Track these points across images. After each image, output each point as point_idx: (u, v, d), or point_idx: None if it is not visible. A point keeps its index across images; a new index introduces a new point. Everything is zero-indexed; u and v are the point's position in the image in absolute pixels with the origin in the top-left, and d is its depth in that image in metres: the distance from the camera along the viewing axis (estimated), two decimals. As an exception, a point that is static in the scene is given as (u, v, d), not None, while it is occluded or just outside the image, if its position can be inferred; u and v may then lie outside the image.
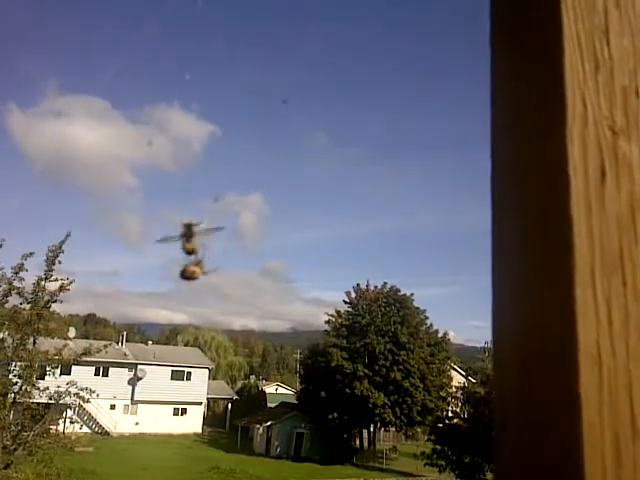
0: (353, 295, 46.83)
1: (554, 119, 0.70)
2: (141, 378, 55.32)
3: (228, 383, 76.53)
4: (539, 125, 0.73)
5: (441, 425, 32.59)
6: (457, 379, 44.05)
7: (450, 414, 34.42)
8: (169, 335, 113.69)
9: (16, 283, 20.25)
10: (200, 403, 58.37)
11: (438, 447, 29.90)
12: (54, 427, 21.76)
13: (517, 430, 0.70)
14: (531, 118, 0.75)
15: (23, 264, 20.26)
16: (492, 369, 0.80)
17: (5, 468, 17.51)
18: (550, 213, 0.69)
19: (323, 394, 42.98)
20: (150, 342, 69.98)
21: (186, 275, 2.26)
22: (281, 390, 78.75)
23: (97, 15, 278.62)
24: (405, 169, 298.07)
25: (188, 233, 2.30)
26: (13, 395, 19.88)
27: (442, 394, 41.92)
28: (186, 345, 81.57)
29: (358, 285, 47.32)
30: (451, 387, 40.88)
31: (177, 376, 57.56)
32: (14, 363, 20.42)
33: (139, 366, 55.55)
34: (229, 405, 62.35)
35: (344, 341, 43.81)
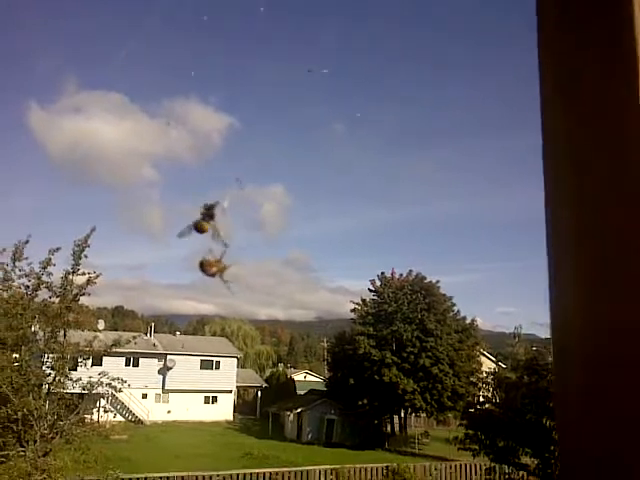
0: (378, 283, 46.61)
1: (625, 94, 0.63)
2: (171, 368, 55.97)
3: (257, 372, 77.04)
4: (604, 100, 0.68)
5: (473, 410, 32.27)
6: (487, 365, 43.64)
7: (481, 399, 34.11)
8: (196, 326, 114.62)
9: (44, 277, 20.52)
10: (230, 391, 58.88)
11: (471, 432, 29.59)
12: (89, 416, 22.11)
13: (586, 439, 0.62)
14: (596, 93, 0.70)
15: (50, 259, 20.48)
16: (553, 367, 0.72)
17: (44, 455, 17.81)
18: (630, 192, 0.61)
19: (352, 381, 42.99)
20: (178, 333, 70.65)
21: (204, 269, 2.20)
22: (310, 378, 79.06)
23: (113, 10, 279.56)
24: (428, 157, 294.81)
25: (207, 214, 2.23)
26: (47, 386, 20.21)
27: (472, 380, 41.60)
28: (213, 335, 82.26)
29: (383, 273, 47.13)
30: (481, 372, 40.51)
31: (206, 365, 58.13)
32: (46, 355, 20.76)
33: (168, 356, 56.21)
34: (259, 393, 62.78)
35: (371, 329, 43.69)
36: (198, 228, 2.25)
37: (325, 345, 77.05)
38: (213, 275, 2.07)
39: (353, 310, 46.69)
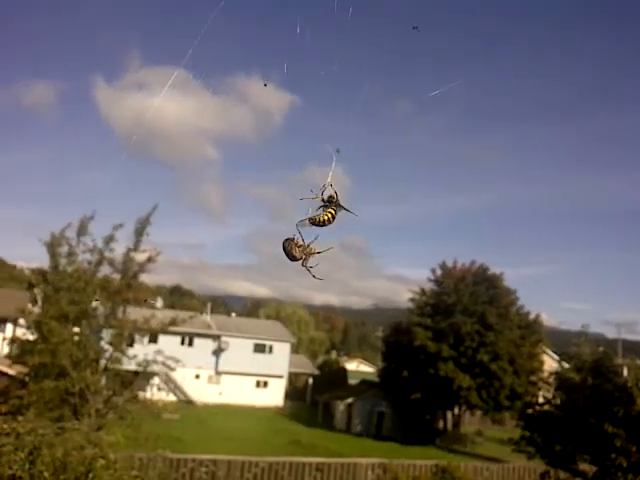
0: (439, 273, 45.51)
1: None
2: (224, 349, 56.46)
3: (309, 358, 77.07)
4: None
5: (531, 411, 31.10)
6: (549, 364, 42.11)
7: (541, 400, 32.85)
8: (251, 308, 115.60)
9: (107, 253, 20.74)
10: (281, 376, 59.02)
11: (527, 433, 28.51)
12: (142, 394, 22.30)
13: None
14: None
15: (113, 235, 20.69)
16: None
17: (98, 430, 17.99)
18: None
19: (405, 373, 42.24)
20: (233, 314, 71.36)
21: (288, 251, 2.13)
22: (362, 367, 78.57)
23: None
24: (496, 139, 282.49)
25: (330, 203, 2.19)
26: (104, 361, 20.46)
27: (533, 379, 40.13)
28: (268, 318, 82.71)
29: (444, 262, 45.99)
30: (543, 372, 39.04)
31: (259, 349, 58.39)
32: (105, 331, 21.01)
33: (222, 337, 56.72)
34: (310, 380, 62.70)
35: (428, 320, 42.70)
36: (321, 221, 2.14)
37: (380, 335, 76.28)
38: (297, 259, 2.10)
39: (411, 299, 45.80)
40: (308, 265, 2.12)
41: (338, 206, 2.18)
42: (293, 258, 2.10)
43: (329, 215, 2.15)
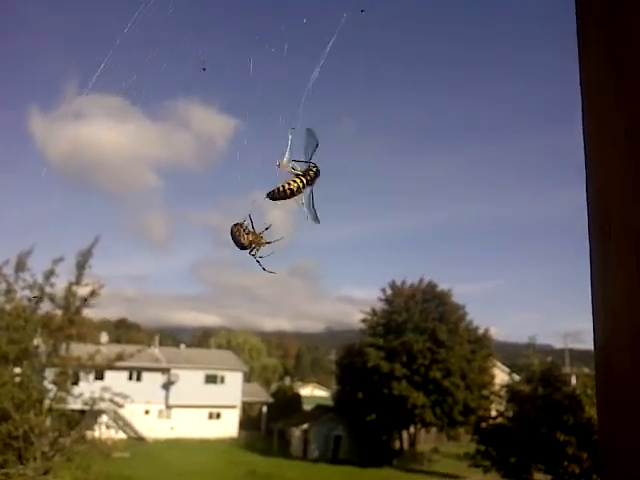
0: (389, 292, 45.82)
1: None
2: (174, 382, 55.12)
3: (262, 386, 76.02)
4: None
5: (485, 425, 31.58)
6: (500, 377, 42.82)
7: (494, 413, 33.38)
8: (201, 338, 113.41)
9: (48, 289, 19.96)
10: (235, 407, 57.95)
11: (482, 447, 28.97)
12: (90, 433, 21.47)
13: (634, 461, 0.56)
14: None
15: (54, 270, 19.95)
16: (595, 371, 0.68)
17: (44, 474, 17.31)
18: None
19: (360, 395, 42.13)
20: (182, 345, 69.93)
21: (236, 236, 1.90)
22: (317, 392, 78.00)
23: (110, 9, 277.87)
24: (443, 157, 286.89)
25: (309, 177, 1.89)
26: (49, 402, 19.60)
27: (485, 393, 40.69)
28: (219, 348, 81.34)
29: (393, 282, 46.37)
30: (494, 385, 39.68)
31: (211, 380, 57.26)
32: (48, 370, 20.18)
33: (172, 370, 55.38)
34: (264, 408, 61.78)
35: (381, 340, 42.84)
36: (293, 189, 1.87)
37: (333, 358, 76.13)
38: (244, 246, 1.89)
39: (363, 320, 45.94)
40: (257, 256, 1.94)
41: (310, 182, 1.91)
42: (241, 246, 1.91)
43: (298, 182, 1.85)
